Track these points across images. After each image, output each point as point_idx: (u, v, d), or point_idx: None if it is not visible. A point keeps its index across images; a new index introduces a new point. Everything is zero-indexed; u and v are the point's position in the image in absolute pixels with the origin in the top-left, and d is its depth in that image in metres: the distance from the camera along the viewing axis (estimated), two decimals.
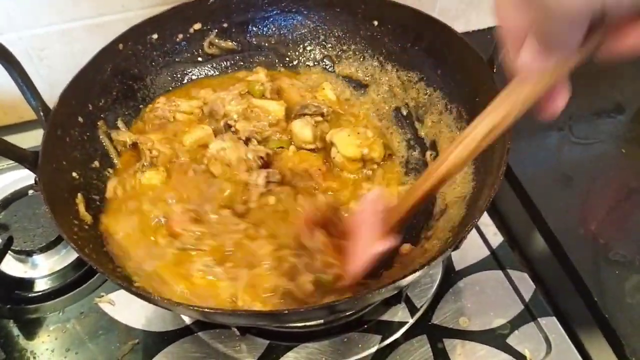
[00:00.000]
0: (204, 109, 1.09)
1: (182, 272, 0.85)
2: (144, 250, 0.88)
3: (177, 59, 1.15)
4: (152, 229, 0.92)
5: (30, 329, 1.00)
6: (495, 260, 1.06)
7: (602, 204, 1.13)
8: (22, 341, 0.98)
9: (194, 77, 1.18)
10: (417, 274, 0.69)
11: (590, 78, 1.35)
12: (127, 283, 0.74)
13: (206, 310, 0.68)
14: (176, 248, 0.88)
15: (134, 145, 1.03)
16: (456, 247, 0.75)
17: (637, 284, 0.98)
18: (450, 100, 1.03)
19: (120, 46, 1.05)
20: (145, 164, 1.00)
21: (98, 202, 0.94)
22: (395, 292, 0.76)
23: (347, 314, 0.97)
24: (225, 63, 1.20)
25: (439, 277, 1.03)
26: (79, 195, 0.89)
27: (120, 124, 1.06)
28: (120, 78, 1.06)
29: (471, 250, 1.07)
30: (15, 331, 0.99)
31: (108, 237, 0.90)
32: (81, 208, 0.88)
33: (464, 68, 0.98)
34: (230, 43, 1.18)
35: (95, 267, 0.72)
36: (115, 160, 1.02)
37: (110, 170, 1.01)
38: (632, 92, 1.38)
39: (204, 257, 0.86)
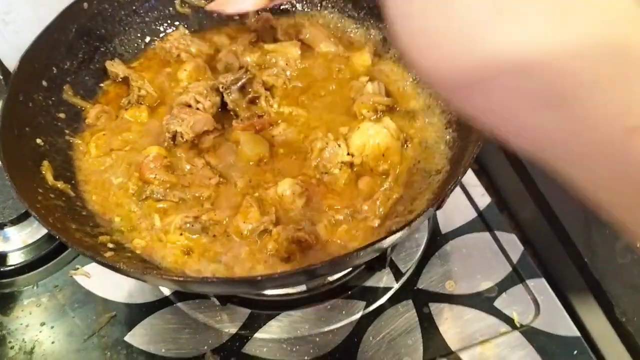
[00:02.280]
0: (218, 66, 1.04)
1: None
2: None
3: (146, 19, 1.09)
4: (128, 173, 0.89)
5: (4, 303, 0.97)
6: (482, 222, 1.03)
7: None
8: None
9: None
10: (398, 235, 0.66)
11: None
12: (93, 252, 0.70)
13: (175, 278, 0.65)
14: (144, 197, 0.85)
15: (124, 80, 1.01)
16: (439, 207, 0.71)
17: (628, 244, 0.95)
18: None
19: (85, 5, 0.99)
20: (131, 100, 0.97)
21: (66, 170, 0.89)
22: (377, 254, 0.73)
23: (330, 280, 0.95)
24: (199, 22, 1.13)
25: (424, 240, 1.00)
26: (45, 162, 0.85)
27: None
28: (86, 39, 1.00)
29: (458, 212, 1.04)
30: None
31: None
32: (48, 176, 0.84)
33: None
34: (202, 0, 1.11)
35: (58, 236, 0.68)
36: (86, 120, 0.98)
37: (78, 138, 0.95)
38: None
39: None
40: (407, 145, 0.89)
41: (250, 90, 0.95)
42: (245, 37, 1.06)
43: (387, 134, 0.87)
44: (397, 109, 0.95)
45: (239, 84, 0.94)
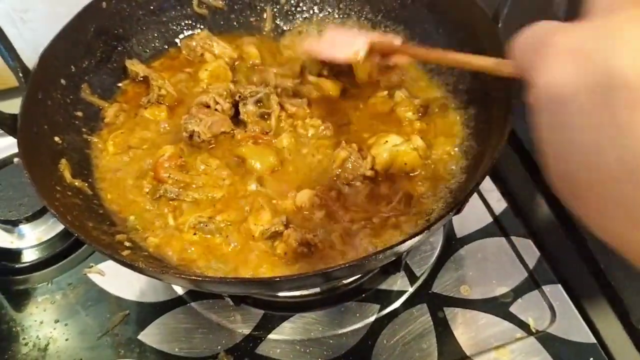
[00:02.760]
0: (255, 79, 1.03)
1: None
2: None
3: (164, 19, 1.09)
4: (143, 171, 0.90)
5: (18, 300, 0.97)
6: (498, 227, 1.02)
7: None
8: (10, 313, 0.95)
9: (184, 38, 1.12)
10: (416, 239, 0.65)
11: None
12: (111, 251, 0.70)
13: (193, 278, 0.65)
14: (157, 196, 0.85)
15: (144, 79, 1.01)
16: (458, 211, 0.71)
17: None
18: None
19: (104, 4, 0.99)
20: (151, 100, 0.98)
21: (83, 168, 0.89)
22: (394, 258, 0.72)
23: (344, 282, 0.95)
24: (217, 23, 1.13)
25: (439, 245, 1.00)
26: (63, 160, 0.85)
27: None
28: (104, 38, 1.01)
29: (473, 217, 1.04)
30: (3, 303, 0.97)
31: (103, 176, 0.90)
32: (66, 174, 0.84)
33: (468, 25, 0.92)
34: (220, 2, 1.12)
35: (77, 234, 0.68)
36: (104, 119, 0.98)
37: (95, 137, 0.95)
38: None
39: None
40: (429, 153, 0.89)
41: (261, 105, 0.95)
42: (296, 65, 1.05)
43: (415, 155, 0.86)
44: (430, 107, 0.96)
45: (256, 97, 0.94)
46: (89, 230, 0.75)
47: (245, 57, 1.08)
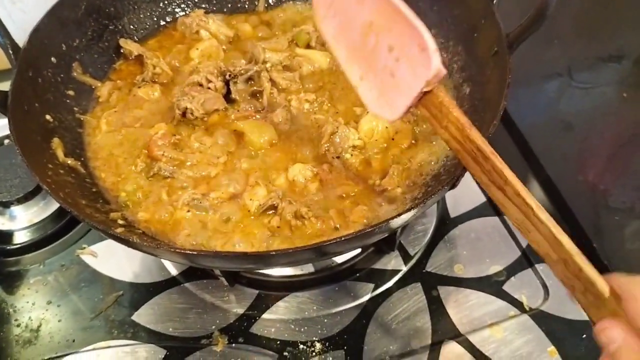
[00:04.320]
0: (245, 57, 1.03)
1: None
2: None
3: None
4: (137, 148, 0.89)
5: (10, 282, 0.97)
6: (491, 206, 1.02)
7: (602, 150, 1.09)
8: (1, 294, 0.95)
9: (176, 17, 1.11)
10: (411, 213, 0.65)
11: (590, 22, 1.29)
12: (105, 227, 0.69)
13: (188, 252, 0.64)
14: (151, 174, 0.85)
15: (137, 58, 1.01)
16: (452, 186, 0.71)
17: (636, 230, 0.95)
18: (446, 39, 0.97)
19: None
20: (145, 78, 0.97)
21: (75, 147, 0.88)
22: (387, 234, 0.72)
23: (339, 262, 0.95)
24: (210, 2, 1.13)
25: (433, 224, 1.00)
26: (55, 139, 0.84)
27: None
28: (95, 17, 1.00)
29: (466, 196, 1.04)
30: None
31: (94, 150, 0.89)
32: (59, 153, 0.83)
33: (463, 2, 0.92)
34: None
35: (70, 210, 0.67)
36: (98, 99, 0.97)
37: (88, 116, 0.95)
38: (633, 36, 1.32)
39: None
40: (421, 127, 0.89)
41: (253, 83, 0.95)
42: (279, 41, 1.04)
43: None
44: None
45: (247, 75, 0.94)
46: (82, 208, 0.75)
47: (240, 35, 1.07)
